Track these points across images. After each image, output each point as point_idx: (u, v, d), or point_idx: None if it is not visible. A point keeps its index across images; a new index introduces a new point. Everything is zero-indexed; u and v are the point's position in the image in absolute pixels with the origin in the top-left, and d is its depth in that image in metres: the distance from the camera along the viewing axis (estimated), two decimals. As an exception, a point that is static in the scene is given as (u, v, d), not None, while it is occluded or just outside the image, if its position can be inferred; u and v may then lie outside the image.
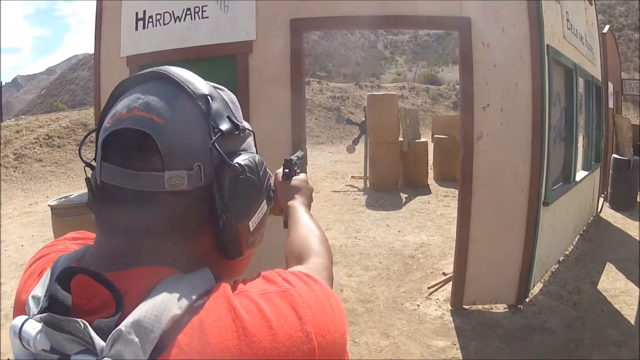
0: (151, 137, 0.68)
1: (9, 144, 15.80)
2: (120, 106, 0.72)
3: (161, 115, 0.69)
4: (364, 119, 12.64)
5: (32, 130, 16.94)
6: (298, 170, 1.38)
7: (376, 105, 11.97)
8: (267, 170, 0.83)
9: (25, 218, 9.88)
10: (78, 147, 0.85)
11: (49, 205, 6.31)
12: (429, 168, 12.58)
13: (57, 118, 19.02)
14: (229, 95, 0.81)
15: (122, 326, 0.57)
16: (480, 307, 4.77)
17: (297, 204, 1.26)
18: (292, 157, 1.38)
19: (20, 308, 0.71)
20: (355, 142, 12.84)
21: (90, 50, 5.21)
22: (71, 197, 6.57)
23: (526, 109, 4.48)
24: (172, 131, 0.69)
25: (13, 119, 27.44)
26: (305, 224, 1.16)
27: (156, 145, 0.68)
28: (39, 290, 0.65)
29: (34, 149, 15.50)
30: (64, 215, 6.03)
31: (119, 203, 0.70)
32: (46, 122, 18.18)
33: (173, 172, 0.68)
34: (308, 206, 1.29)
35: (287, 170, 1.34)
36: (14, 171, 14.25)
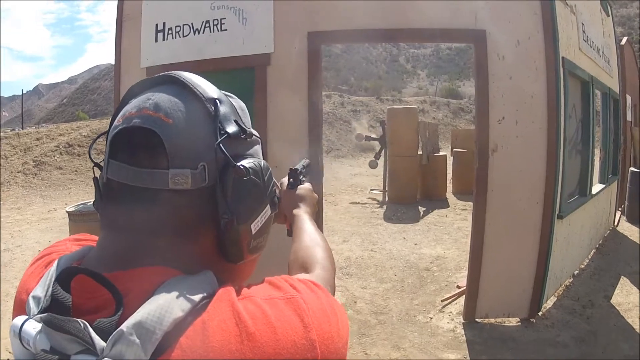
0: (158, 135, 0.69)
1: (29, 151, 16.02)
2: (130, 106, 0.74)
3: (169, 114, 0.71)
4: (382, 133, 12.64)
5: (53, 138, 17.13)
6: (304, 179, 1.39)
7: (396, 119, 12.00)
8: (273, 177, 0.84)
9: (43, 224, 10.02)
10: (88, 148, 0.88)
11: (66, 211, 6.40)
12: (447, 182, 12.54)
13: (78, 127, 19.21)
14: (237, 102, 0.82)
15: (124, 327, 0.57)
16: (492, 320, 4.75)
17: (301, 213, 1.27)
18: (297, 167, 1.39)
19: (19, 307, 0.72)
20: (377, 156, 12.86)
21: (112, 60, 5.28)
22: (89, 203, 6.66)
23: (541, 121, 4.47)
24: (179, 131, 0.70)
25: (34, 127, 27.77)
26: (310, 234, 1.17)
27: (163, 144, 0.69)
28: (39, 290, 0.66)
29: (54, 156, 15.67)
30: (81, 221, 6.11)
31: (124, 201, 0.72)
32: (67, 130, 18.36)
33: (177, 170, 0.69)
34: (312, 215, 1.29)
35: (292, 179, 1.36)
36: (34, 178, 14.42)
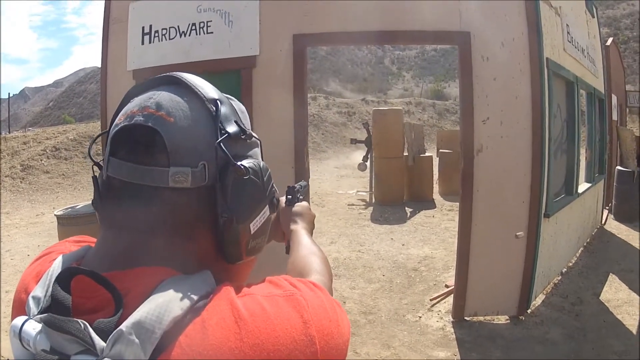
0: (159, 133, 0.69)
1: (16, 155, 15.90)
2: (132, 104, 0.75)
3: (171, 113, 0.71)
4: (367, 135, 12.68)
5: (40, 142, 17.01)
6: (301, 197, 1.40)
7: (381, 120, 12.00)
8: (272, 178, 0.84)
9: (32, 228, 9.94)
10: (87, 150, 0.88)
11: (55, 215, 6.37)
12: (434, 183, 12.57)
13: (64, 130, 19.09)
14: (238, 104, 0.83)
15: (123, 327, 0.57)
16: (481, 318, 4.78)
17: (299, 228, 1.27)
18: (295, 185, 1.41)
19: (19, 307, 0.73)
20: (365, 159, 12.92)
21: (98, 63, 5.28)
22: (77, 207, 6.63)
23: (526, 121, 4.51)
24: (181, 129, 0.71)
25: (20, 131, 27.58)
26: (306, 245, 1.18)
27: (164, 142, 0.69)
28: (39, 290, 0.66)
29: (41, 160, 15.57)
30: (69, 225, 6.08)
31: (123, 199, 0.72)
32: (53, 134, 18.24)
33: (178, 168, 0.70)
34: (310, 231, 1.30)
35: (290, 196, 1.37)
36: (21, 182, 14.32)
